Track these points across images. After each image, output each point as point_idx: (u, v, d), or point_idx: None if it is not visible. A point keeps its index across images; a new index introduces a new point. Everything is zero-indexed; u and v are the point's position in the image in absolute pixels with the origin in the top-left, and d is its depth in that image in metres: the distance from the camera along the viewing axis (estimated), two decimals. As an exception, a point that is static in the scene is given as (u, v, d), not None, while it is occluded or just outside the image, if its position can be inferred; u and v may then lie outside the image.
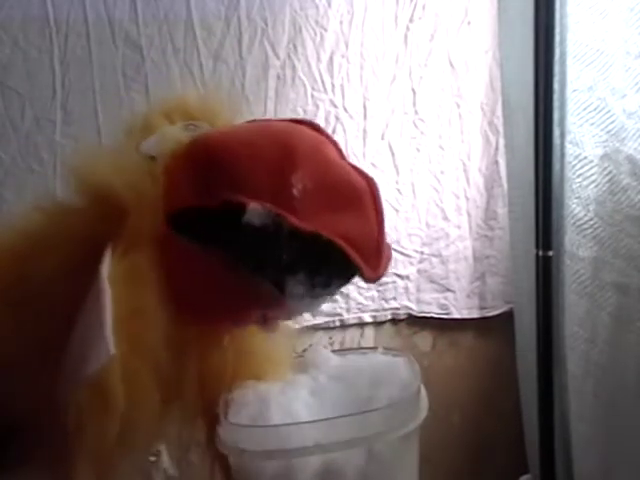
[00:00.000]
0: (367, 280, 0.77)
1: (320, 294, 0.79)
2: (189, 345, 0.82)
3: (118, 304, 0.70)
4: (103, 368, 0.68)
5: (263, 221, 0.70)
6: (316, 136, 0.80)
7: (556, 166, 1.24)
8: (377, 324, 1.51)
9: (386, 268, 0.79)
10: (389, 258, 0.80)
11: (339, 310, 1.46)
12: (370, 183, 0.78)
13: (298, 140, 0.77)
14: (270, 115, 1.32)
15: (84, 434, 0.70)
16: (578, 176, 1.25)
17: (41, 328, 0.73)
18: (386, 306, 1.49)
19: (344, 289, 1.41)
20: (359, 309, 1.48)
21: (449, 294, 1.51)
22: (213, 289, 0.78)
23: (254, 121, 0.86)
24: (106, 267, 0.70)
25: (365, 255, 0.75)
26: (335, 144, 0.80)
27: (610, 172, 1.25)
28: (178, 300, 0.76)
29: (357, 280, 1.40)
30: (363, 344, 1.49)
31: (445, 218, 1.48)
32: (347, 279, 0.79)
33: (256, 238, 0.71)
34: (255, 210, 0.70)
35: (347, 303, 1.46)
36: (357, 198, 0.76)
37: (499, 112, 1.44)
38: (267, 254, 0.73)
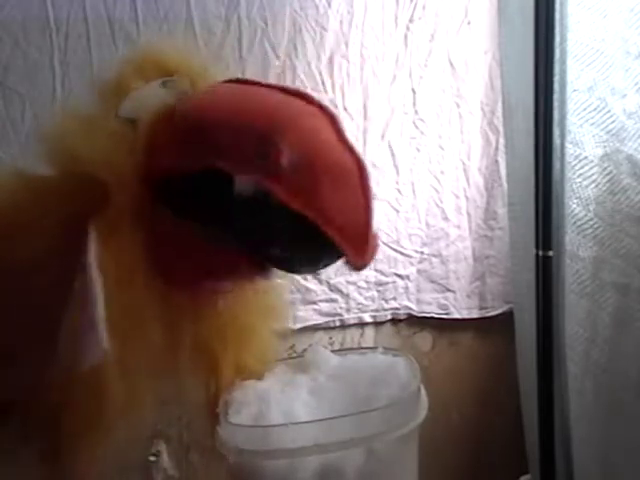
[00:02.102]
0: (353, 268, 0.75)
1: (307, 271, 0.77)
2: (180, 313, 0.81)
3: (111, 293, 0.68)
4: (97, 366, 0.66)
5: (249, 192, 0.68)
6: (306, 107, 0.76)
7: (556, 166, 1.24)
8: (377, 324, 1.51)
9: (373, 256, 0.76)
10: (376, 246, 0.77)
11: (339, 310, 1.46)
12: (360, 165, 0.74)
13: (287, 109, 0.74)
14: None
15: (77, 437, 0.69)
16: (578, 176, 1.25)
17: (24, 315, 0.70)
18: (386, 306, 1.49)
19: (344, 289, 1.44)
20: (359, 309, 1.48)
21: (449, 294, 1.51)
22: (194, 257, 0.76)
23: (238, 81, 0.83)
24: (93, 254, 0.67)
25: (352, 241, 0.72)
26: (331, 117, 0.76)
27: (610, 172, 1.25)
28: (162, 270, 0.75)
29: (357, 280, 1.40)
30: (363, 344, 1.49)
31: (445, 218, 1.48)
32: (333, 260, 0.76)
33: (241, 209, 0.70)
34: (242, 181, 0.68)
35: (347, 303, 1.46)
36: (345, 178, 0.73)
37: (499, 112, 1.44)
38: (250, 226, 0.71)
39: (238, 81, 0.83)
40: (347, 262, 0.74)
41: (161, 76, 0.81)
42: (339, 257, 0.75)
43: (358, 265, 0.75)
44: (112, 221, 0.71)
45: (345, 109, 1.38)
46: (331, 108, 0.77)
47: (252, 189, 0.68)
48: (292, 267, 0.78)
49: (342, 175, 0.72)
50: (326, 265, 0.78)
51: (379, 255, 1.45)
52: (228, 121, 0.72)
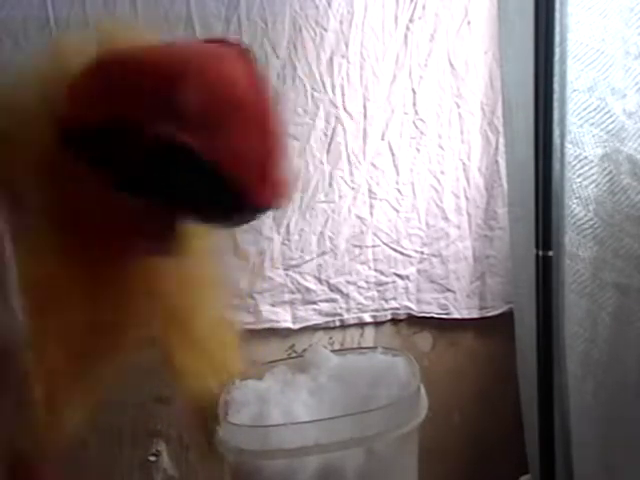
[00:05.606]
0: (254, 208, 0.77)
1: (222, 222, 0.80)
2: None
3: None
4: (14, 338, 0.66)
5: (157, 142, 0.70)
6: (220, 51, 0.79)
7: (556, 166, 1.24)
8: (377, 324, 1.51)
9: (274, 196, 0.78)
10: (281, 189, 0.79)
11: (339, 310, 1.46)
12: (267, 106, 0.77)
13: (196, 56, 0.77)
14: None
15: None
16: (578, 176, 1.25)
17: None
18: (386, 306, 1.49)
19: (344, 289, 1.44)
20: (359, 309, 1.48)
21: (449, 294, 1.51)
22: (107, 211, 0.77)
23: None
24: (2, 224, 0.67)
25: (251, 178, 0.74)
26: (247, 60, 0.78)
27: (610, 172, 1.25)
28: (77, 230, 0.77)
29: (357, 280, 1.39)
30: (363, 344, 1.49)
31: (445, 218, 1.48)
32: (238, 208, 0.77)
33: (151, 160, 0.72)
34: (149, 131, 0.70)
35: (347, 303, 1.46)
36: (251, 120, 0.75)
37: (499, 112, 1.44)
38: (161, 176, 0.73)
39: None
40: (248, 203, 0.75)
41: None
42: (245, 203, 0.76)
43: (257, 204, 0.76)
44: (20, 178, 0.73)
45: (345, 109, 1.38)
46: (250, 51, 0.80)
47: (159, 137, 0.70)
48: (203, 215, 0.79)
49: (247, 116, 0.75)
50: (239, 215, 0.79)
51: (379, 255, 1.46)
52: (138, 72, 0.74)
